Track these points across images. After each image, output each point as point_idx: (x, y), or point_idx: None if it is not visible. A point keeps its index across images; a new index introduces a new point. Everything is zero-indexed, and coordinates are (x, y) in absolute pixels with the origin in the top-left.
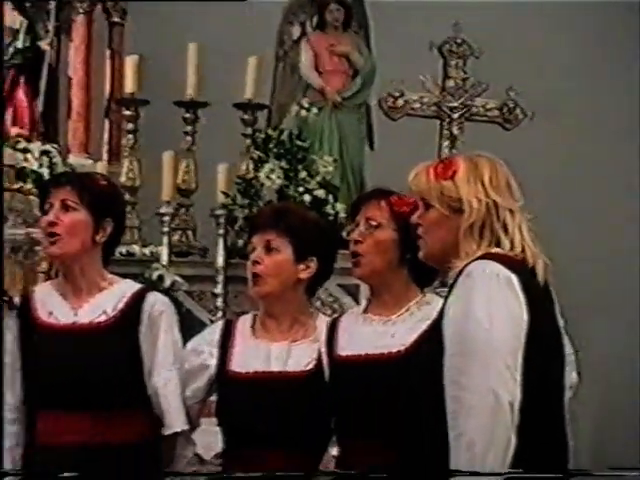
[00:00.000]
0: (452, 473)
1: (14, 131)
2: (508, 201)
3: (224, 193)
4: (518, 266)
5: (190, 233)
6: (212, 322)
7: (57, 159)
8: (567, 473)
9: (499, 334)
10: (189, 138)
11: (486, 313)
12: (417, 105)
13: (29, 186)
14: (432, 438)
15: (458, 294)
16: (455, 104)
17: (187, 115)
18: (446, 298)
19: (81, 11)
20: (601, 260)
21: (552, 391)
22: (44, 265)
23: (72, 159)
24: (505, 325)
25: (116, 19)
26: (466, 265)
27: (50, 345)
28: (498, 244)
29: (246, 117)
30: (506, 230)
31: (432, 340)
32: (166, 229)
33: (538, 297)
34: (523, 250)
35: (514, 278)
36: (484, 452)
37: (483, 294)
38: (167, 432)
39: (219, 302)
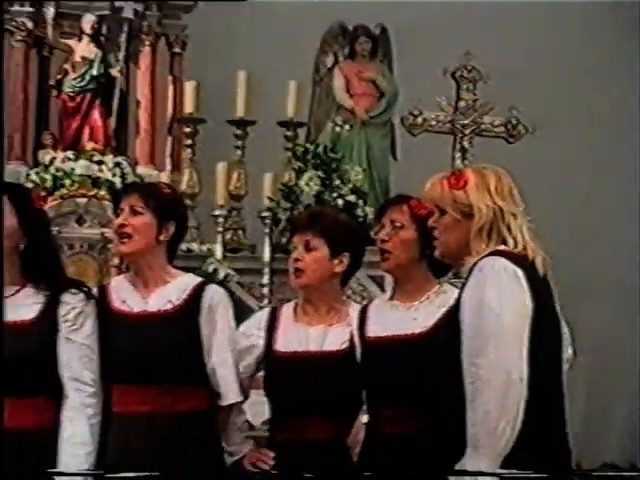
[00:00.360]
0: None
1: (90, 146)
2: (511, 206)
3: (269, 198)
4: (521, 261)
5: (240, 232)
6: (260, 308)
7: (127, 170)
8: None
9: (509, 320)
10: (239, 151)
11: (497, 302)
12: (434, 122)
13: (103, 192)
14: (451, 406)
15: (472, 286)
16: (466, 122)
17: (238, 132)
18: (461, 289)
19: (147, 43)
20: (600, 260)
21: (552, 366)
22: (115, 260)
23: (140, 169)
24: (513, 312)
25: (177, 50)
26: (478, 261)
27: (124, 329)
28: (504, 243)
29: (288, 133)
30: (510, 231)
31: (449, 324)
32: (220, 229)
33: (539, 287)
34: (525, 248)
35: (519, 271)
36: (498, 420)
37: (494, 286)
38: (223, 403)
39: (265, 291)
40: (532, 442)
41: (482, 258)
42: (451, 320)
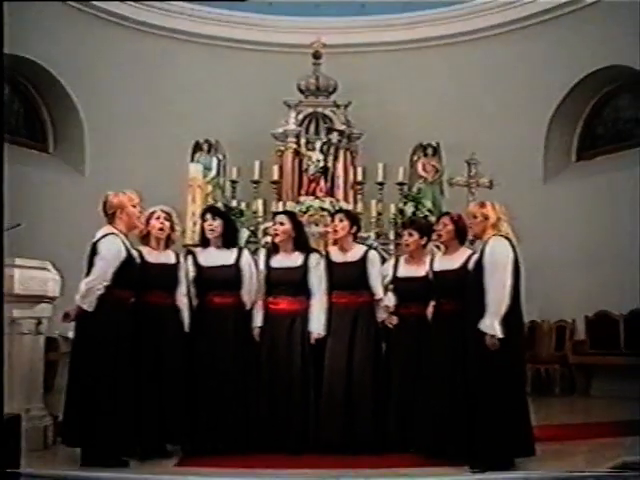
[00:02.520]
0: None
1: (320, 194)
2: (503, 216)
3: (393, 214)
4: (508, 239)
5: (382, 228)
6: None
7: (335, 204)
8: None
9: (503, 261)
10: (380, 195)
11: (499, 254)
12: (460, 182)
13: (325, 214)
14: (475, 295)
15: (490, 247)
16: (472, 181)
17: (379, 187)
18: (482, 249)
19: (342, 152)
20: None
21: (517, 282)
22: (330, 241)
23: (342, 204)
24: (505, 258)
25: (354, 155)
26: (489, 237)
27: (336, 268)
28: (499, 231)
29: (400, 188)
30: (502, 226)
31: (476, 263)
32: (373, 227)
33: (515, 251)
34: (508, 234)
35: (507, 242)
36: (500, 301)
37: (498, 247)
38: (376, 298)
39: (392, 252)
40: (512, 309)
41: (491, 236)
42: (477, 262)
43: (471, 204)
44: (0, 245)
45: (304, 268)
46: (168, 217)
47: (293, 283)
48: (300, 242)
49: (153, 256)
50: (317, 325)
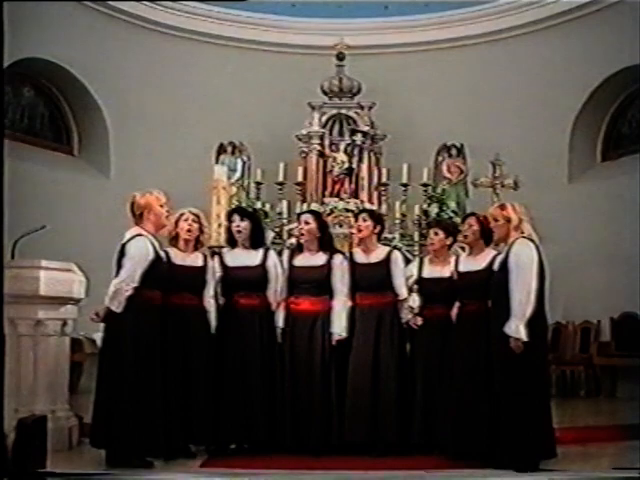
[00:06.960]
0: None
1: (344, 195)
2: (525, 217)
3: (417, 215)
4: (532, 240)
5: (407, 230)
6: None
7: (359, 205)
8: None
9: (529, 263)
10: (404, 196)
11: (524, 256)
12: (484, 182)
13: (349, 215)
14: (500, 297)
15: (515, 249)
16: (497, 182)
17: (403, 188)
18: (508, 252)
19: (366, 154)
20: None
21: (542, 285)
22: (355, 241)
23: (365, 205)
24: (530, 260)
25: (378, 156)
26: (514, 240)
27: (359, 269)
28: (522, 233)
29: (424, 188)
30: (525, 228)
31: (501, 265)
32: (397, 228)
33: (539, 252)
34: (531, 235)
35: (532, 244)
36: (525, 304)
37: (523, 249)
38: (399, 298)
39: (416, 253)
40: (537, 312)
41: (516, 239)
42: (502, 264)
43: (491, 207)
44: (0, 246)
45: (327, 267)
46: (197, 219)
47: (315, 282)
48: (325, 242)
49: (180, 258)
50: (339, 327)
